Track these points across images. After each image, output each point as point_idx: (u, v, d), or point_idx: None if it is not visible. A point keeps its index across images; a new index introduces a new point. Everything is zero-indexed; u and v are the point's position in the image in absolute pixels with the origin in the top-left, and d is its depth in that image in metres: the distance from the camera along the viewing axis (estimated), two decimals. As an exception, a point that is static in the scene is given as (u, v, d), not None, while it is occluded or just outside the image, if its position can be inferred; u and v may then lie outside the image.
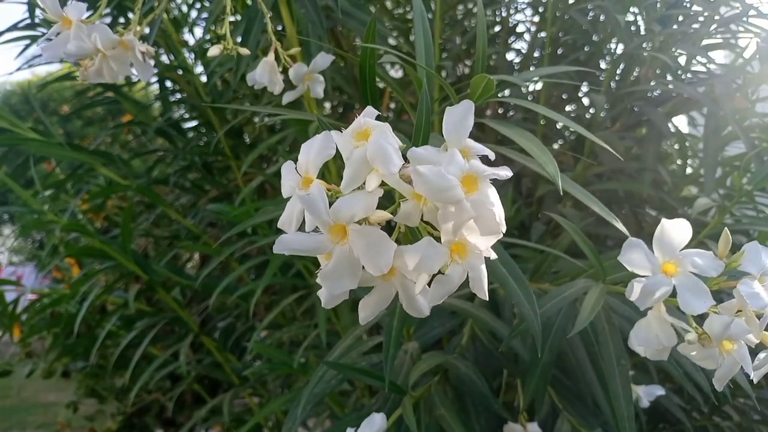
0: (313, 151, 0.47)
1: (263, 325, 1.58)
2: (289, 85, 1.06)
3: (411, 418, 0.75)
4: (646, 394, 0.96)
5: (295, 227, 0.48)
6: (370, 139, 0.44)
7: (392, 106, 1.72)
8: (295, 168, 0.49)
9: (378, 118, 0.48)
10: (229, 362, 1.82)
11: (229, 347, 1.81)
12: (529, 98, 1.73)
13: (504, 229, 0.44)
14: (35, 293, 1.92)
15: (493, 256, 0.48)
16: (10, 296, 1.83)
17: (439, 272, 0.45)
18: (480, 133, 1.41)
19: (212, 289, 1.53)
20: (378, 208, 0.44)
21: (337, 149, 0.47)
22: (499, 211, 0.44)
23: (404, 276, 0.46)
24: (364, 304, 0.49)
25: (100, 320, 1.90)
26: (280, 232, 0.49)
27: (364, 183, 0.44)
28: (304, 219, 0.48)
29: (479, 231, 0.44)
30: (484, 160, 0.48)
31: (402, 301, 0.47)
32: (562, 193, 0.55)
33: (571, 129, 1.70)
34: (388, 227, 0.46)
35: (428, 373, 0.89)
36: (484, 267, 0.46)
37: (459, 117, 0.48)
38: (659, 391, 0.96)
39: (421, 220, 0.45)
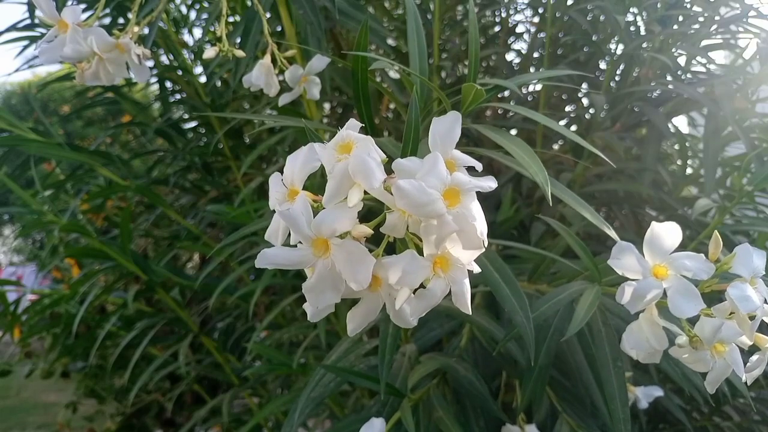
0: (298, 164, 0.47)
1: (263, 326, 1.58)
2: (286, 87, 1.06)
3: (410, 422, 0.74)
4: (645, 395, 0.95)
5: (281, 240, 0.48)
6: (352, 153, 0.44)
7: (392, 106, 1.72)
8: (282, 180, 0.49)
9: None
10: (228, 363, 1.82)
11: (229, 347, 1.81)
12: (529, 98, 1.73)
13: (486, 243, 0.44)
14: (35, 294, 1.92)
15: (476, 269, 0.48)
16: (11, 296, 1.83)
17: (422, 285, 0.45)
18: (481, 134, 1.40)
19: (212, 289, 1.53)
20: (371, 218, 0.44)
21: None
22: (481, 226, 0.43)
23: (391, 287, 0.45)
24: (352, 315, 0.48)
25: (99, 320, 1.90)
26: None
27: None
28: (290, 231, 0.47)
29: (461, 245, 0.44)
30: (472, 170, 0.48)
31: (389, 311, 0.47)
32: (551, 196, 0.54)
33: (572, 128, 1.70)
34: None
35: (427, 375, 0.89)
36: (467, 281, 0.46)
37: (446, 128, 0.48)
38: (657, 392, 0.96)
39: (409, 230, 0.44)
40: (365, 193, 0.44)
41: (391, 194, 0.42)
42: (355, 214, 0.43)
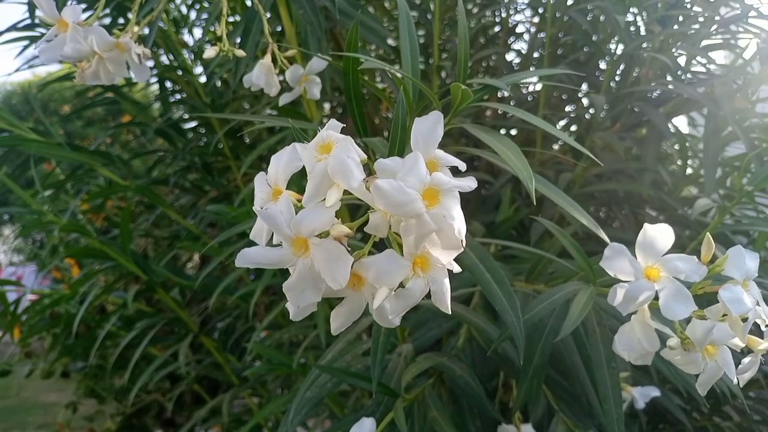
0: (282, 164, 0.47)
1: (263, 326, 1.58)
2: (287, 86, 1.06)
3: (402, 422, 0.74)
4: (642, 395, 0.95)
5: (265, 239, 0.48)
6: (331, 153, 0.44)
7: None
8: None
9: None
10: (228, 363, 1.82)
11: (229, 348, 1.81)
12: (529, 99, 1.73)
13: (464, 243, 0.44)
14: (35, 294, 1.92)
15: (457, 269, 0.48)
16: (11, 296, 1.83)
17: (401, 285, 0.45)
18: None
19: (212, 289, 1.53)
20: (358, 218, 0.44)
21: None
22: (459, 225, 0.43)
23: (374, 286, 0.46)
24: (336, 315, 0.48)
25: (99, 320, 1.90)
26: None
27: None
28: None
29: (440, 245, 0.44)
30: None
31: (371, 310, 0.47)
32: (534, 197, 0.54)
33: (572, 128, 1.70)
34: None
35: (424, 375, 0.89)
36: (446, 281, 0.46)
37: (428, 127, 0.48)
38: (654, 392, 0.95)
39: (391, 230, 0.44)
40: (346, 192, 0.44)
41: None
42: (333, 214, 0.43)
